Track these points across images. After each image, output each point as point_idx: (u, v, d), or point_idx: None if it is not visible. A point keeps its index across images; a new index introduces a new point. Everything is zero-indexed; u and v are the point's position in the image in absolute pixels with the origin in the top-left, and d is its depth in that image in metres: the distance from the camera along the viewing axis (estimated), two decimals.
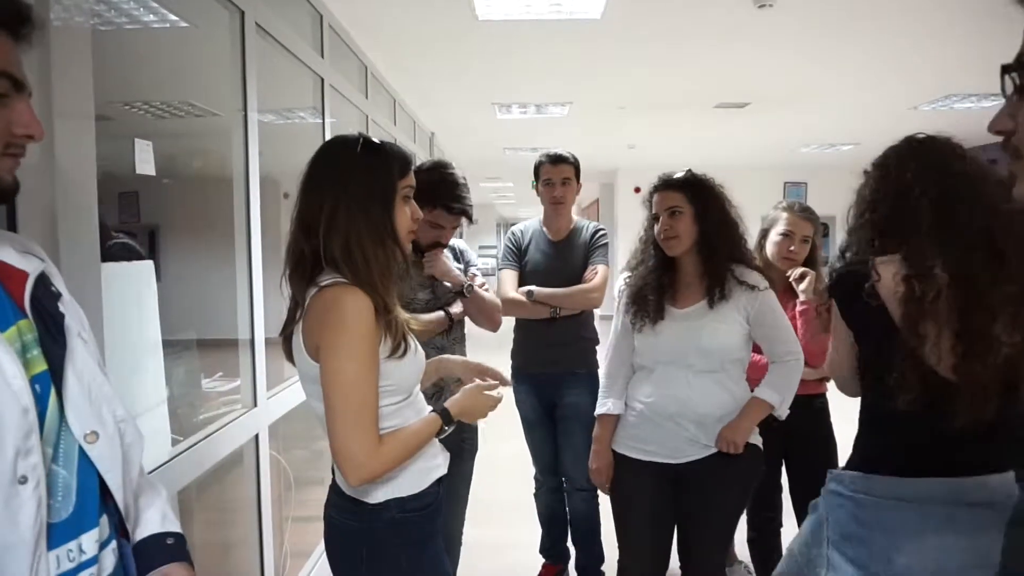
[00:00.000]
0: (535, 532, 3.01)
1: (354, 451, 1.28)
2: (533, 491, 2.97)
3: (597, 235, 2.76)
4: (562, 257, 2.74)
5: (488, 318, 2.36)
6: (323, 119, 3.15)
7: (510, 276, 2.78)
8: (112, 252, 2.27)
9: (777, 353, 1.97)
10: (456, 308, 2.30)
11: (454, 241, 2.41)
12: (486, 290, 2.36)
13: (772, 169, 10.01)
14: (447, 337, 2.28)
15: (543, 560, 2.99)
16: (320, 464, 3.34)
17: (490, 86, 5.30)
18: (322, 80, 3.11)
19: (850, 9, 3.48)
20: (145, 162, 1.62)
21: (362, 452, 1.28)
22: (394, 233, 1.38)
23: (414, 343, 1.43)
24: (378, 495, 1.38)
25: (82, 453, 0.87)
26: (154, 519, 1.02)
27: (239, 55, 2.20)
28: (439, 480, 1.48)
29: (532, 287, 2.69)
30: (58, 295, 0.92)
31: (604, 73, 4.85)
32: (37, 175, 1.16)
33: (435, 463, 1.48)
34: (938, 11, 3.53)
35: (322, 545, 2.98)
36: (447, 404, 1.49)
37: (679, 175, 2.02)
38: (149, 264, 1.69)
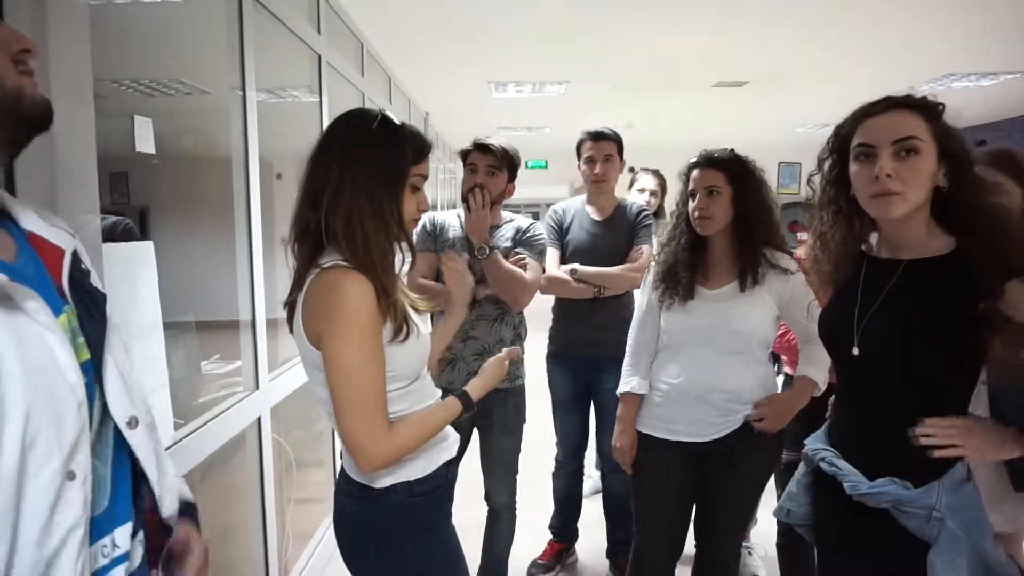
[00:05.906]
0: (544, 511, 3.01)
1: (362, 440, 1.23)
2: (552, 471, 2.95)
3: (642, 215, 2.69)
4: (606, 236, 2.66)
5: (504, 291, 2.20)
6: (320, 97, 3.09)
7: (552, 254, 2.68)
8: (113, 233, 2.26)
9: (812, 333, 1.87)
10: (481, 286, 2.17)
11: (521, 221, 2.33)
12: (523, 266, 2.22)
13: (767, 149, 9.87)
14: (469, 313, 2.13)
15: (550, 537, 2.99)
16: (319, 446, 3.32)
17: (487, 64, 5.23)
18: (319, 57, 3.05)
19: None
20: (145, 139, 1.57)
21: (370, 441, 1.23)
22: (399, 217, 1.31)
23: (417, 326, 1.36)
24: (385, 479, 1.34)
25: (116, 444, 0.83)
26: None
27: (236, 32, 2.14)
28: (448, 463, 1.44)
29: (575, 265, 2.63)
30: (87, 272, 0.86)
31: (603, 50, 4.79)
32: (37, 154, 1.12)
33: (444, 444, 1.44)
34: None
35: (323, 528, 3.00)
36: (468, 388, 1.46)
37: (720, 153, 1.93)
38: (149, 244, 1.66)
